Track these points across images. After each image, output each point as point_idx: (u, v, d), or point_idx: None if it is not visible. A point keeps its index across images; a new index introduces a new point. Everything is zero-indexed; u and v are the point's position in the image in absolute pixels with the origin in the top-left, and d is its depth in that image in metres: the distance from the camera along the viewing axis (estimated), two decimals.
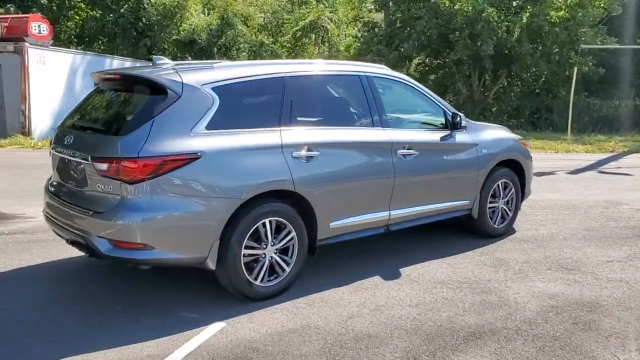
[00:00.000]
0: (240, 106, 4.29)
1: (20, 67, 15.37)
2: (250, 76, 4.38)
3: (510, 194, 6.15)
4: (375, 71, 5.22)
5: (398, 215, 5.11)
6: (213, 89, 4.10)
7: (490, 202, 5.97)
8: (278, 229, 4.34)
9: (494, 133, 6.13)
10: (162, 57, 4.55)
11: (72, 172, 4.21)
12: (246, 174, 4.10)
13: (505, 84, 25.43)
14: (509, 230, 6.27)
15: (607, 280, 4.87)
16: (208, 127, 4.00)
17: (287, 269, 4.41)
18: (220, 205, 3.97)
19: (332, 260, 5.27)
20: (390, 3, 25.54)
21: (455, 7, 21.20)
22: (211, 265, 4.03)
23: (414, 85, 5.51)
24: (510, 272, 5.03)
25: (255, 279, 4.23)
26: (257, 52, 27.44)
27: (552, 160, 13.09)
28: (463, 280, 4.83)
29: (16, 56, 15.42)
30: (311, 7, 32.13)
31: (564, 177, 10.44)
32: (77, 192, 4.21)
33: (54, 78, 16.45)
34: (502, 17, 21.38)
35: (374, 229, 5.02)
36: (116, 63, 19.38)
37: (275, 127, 4.32)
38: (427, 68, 26.27)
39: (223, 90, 4.15)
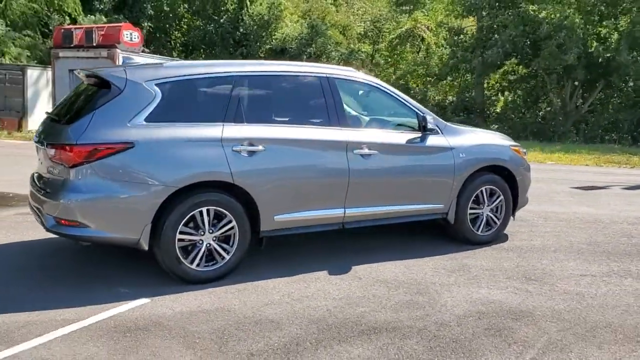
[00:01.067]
0: (183, 101, 4.62)
1: None
2: (198, 74, 4.70)
3: (497, 202, 5.97)
4: (340, 73, 5.33)
5: (355, 214, 5.19)
6: (157, 84, 4.47)
7: (473, 209, 5.84)
8: (219, 218, 4.61)
9: (477, 138, 5.96)
10: (132, 57, 5.00)
11: (41, 158, 4.76)
12: (180, 164, 4.41)
13: (602, 95, 23.84)
14: (497, 238, 6.08)
15: (562, 292, 4.65)
16: (147, 120, 4.37)
17: (227, 257, 4.66)
18: (151, 191, 4.32)
19: (292, 253, 5.47)
20: (484, 12, 24.88)
21: (541, 15, 20.29)
22: (144, 246, 4.38)
23: (384, 88, 5.54)
24: (463, 278, 4.93)
25: (192, 263, 4.53)
26: (347, 60, 27.85)
27: (616, 175, 12.21)
28: (407, 281, 4.82)
29: (108, 61, 16.91)
30: (410, 15, 32.13)
31: (615, 192, 9.75)
32: (43, 177, 4.75)
33: None
34: (595, 23, 20.17)
35: (327, 225, 5.14)
36: None
37: (218, 122, 4.60)
38: (514, 76, 25.27)
39: (166, 86, 4.50)
